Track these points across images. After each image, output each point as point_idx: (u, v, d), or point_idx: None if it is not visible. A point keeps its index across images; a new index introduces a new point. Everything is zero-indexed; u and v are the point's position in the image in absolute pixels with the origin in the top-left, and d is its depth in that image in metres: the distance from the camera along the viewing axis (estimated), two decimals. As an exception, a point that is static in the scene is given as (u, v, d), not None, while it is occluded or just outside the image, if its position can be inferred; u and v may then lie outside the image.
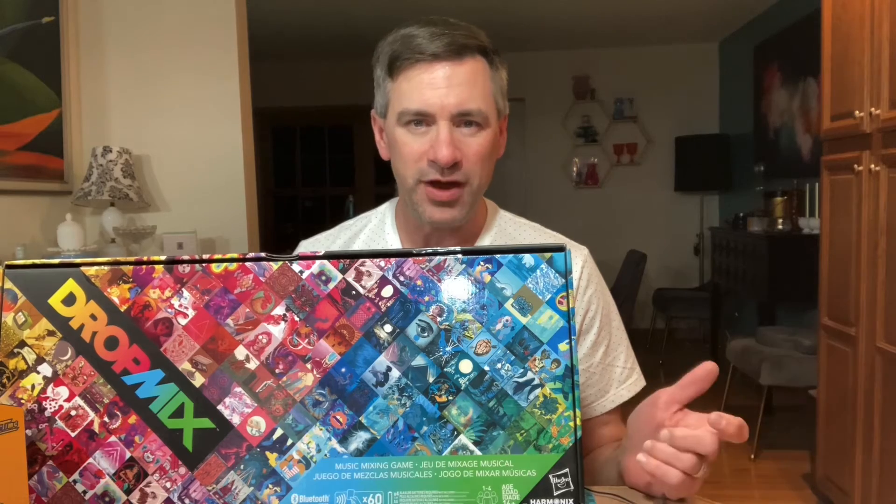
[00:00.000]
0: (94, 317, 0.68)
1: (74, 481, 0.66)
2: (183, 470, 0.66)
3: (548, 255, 0.68)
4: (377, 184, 6.73)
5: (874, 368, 2.30)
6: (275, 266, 0.69)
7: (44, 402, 0.67)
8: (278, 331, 0.68)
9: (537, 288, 0.68)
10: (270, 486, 0.66)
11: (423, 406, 0.66)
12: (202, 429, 0.66)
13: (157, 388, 0.67)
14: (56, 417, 0.67)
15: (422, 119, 0.94)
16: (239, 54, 2.98)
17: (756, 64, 4.97)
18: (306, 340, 0.67)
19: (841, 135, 2.51)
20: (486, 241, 1.06)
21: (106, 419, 0.67)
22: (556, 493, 0.65)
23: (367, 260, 0.69)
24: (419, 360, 0.67)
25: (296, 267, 0.69)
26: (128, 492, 0.66)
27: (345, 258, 0.69)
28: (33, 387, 0.68)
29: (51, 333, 0.68)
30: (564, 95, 5.97)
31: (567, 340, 0.67)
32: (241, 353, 0.67)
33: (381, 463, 0.65)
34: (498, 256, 0.68)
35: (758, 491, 2.99)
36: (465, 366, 0.67)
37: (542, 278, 0.68)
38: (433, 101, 0.92)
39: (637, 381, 1.06)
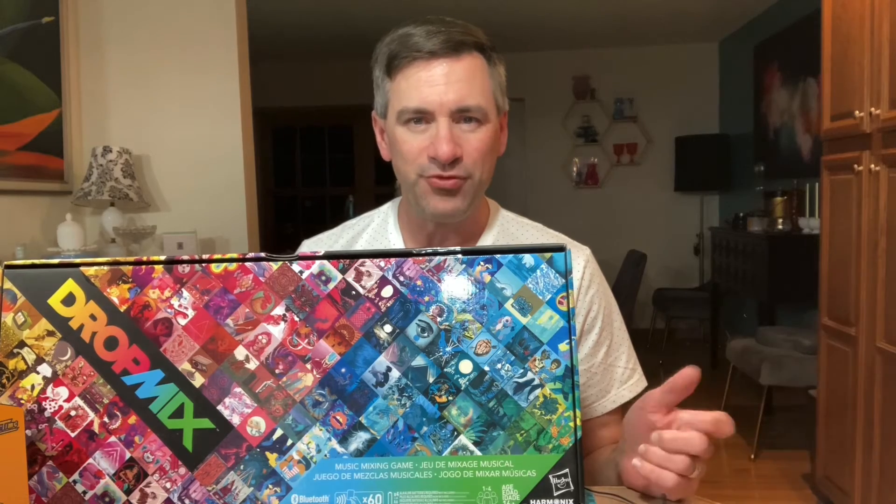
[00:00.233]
0: (93, 317, 0.68)
1: (74, 481, 0.66)
2: (183, 470, 0.66)
3: (548, 255, 0.68)
4: (377, 184, 6.73)
5: (874, 368, 2.30)
6: (275, 266, 0.69)
7: (43, 403, 0.67)
8: (278, 331, 0.68)
9: (537, 288, 0.68)
10: (270, 486, 0.65)
11: (423, 406, 0.66)
12: (202, 429, 0.66)
13: (156, 388, 0.67)
14: (56, 418, 0.67)
15: (421, 117, 0.94)
16: (239, 54, 2.98)
17: (756, 64, 4.97)
18: (306, 341, 0.67)
19: (841, 135, 2.50)
20: (488, 240, 1.06)
21: (106, 419, 0.67)
22: (556, 494, 0.65)
23: (366, 260, 0.69)
24: (419, 361, 0.67)
25: (295, 267, 0.69)
26: (128, 492, 0.66)
27: (344, 258, 0.69)
28: (33, 387, 0.68)
29: (50, 333, 0.68)
30: (564, 95, 5.97)
31: (567, 340, 0.67)
32: (240, 353, 0.67)
33: (381, 463, 0.65)
34: (498, 256, 0.68)
35: (758, 491, 3.00)
36: (465, 366, 0.67)
37: (543, 278, 0.68)
38: (432, 98, 0.92)
39: (639, 382, 1.06)
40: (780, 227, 4.00)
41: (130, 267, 0.69)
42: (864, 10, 2.30)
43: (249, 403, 0.67)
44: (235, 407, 0.67)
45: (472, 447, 0.65)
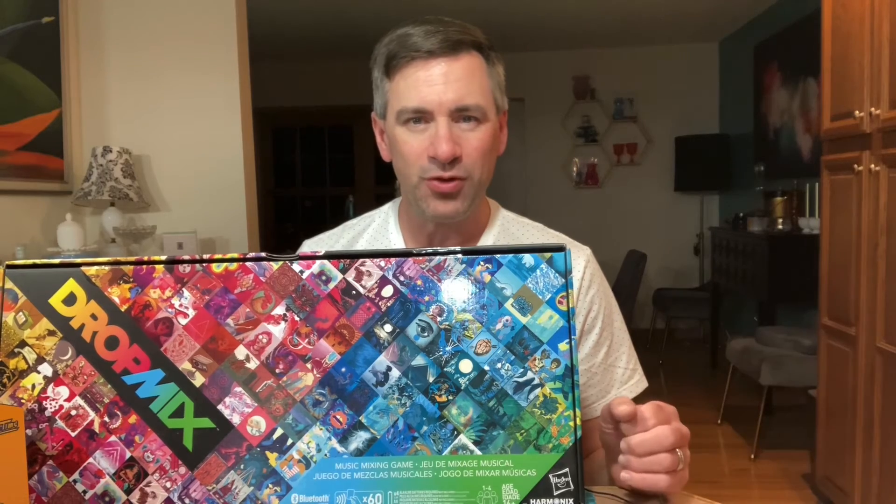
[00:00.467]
0: (94, 316, 0.68)
1: (74, 481, 0.66)
2: (183, 469, 0.66)
3: (548, 254, 0.68)
4: (377, 184, 6.74)
5: (874, 368, 2.30)
6: (275, 266, 0.69)
7: (44, 402, 0.67)
8: (278, 330, 0.68)
9: (537, 288, 0.68)
10: (270, 485, 0.66)
11: (423, 406, 0.66)
12: (202, 428, 0.66)
13: (157, 387, 0.67)
14: (56, 417, 0.67)
15: (420, 116, 0.94)
16: (239, 54, 2.98)
17: (756, 64, 4.97)
18: (306, 340, 0.67)
19: (841, 135, 2.51)
20: (488, 239, 1.06)
21: (106, 419, 0.67)
22: (556, 493, 0.65)
23: (367, 260, 0.69)
24: (419, 360, 0.67)
25: (296, 267, 0.69)
26: (128, 491, 0.66)
27: (345, 258, 0.69)
28: (34, 386, 0.68)
29: (51, 333, 0.68)
30: (564, 95, 5.97)
31: (567, 340, 0.67)
32: (241, 352, 0.67)
33: (381, 463, 0.65)
34: (498, 256, 0.69)
35: (757, 491, 3.00)
36: (465, 365, 0.67)
37: (542, 278, 0.68)
38: (431, 97, 0.92)
39: (639, 382, 1.06)
40: (780, 227, 4.00)
41: (131, 267, 0.69)
42: (864, 10, 2.30)
43: (250, 403, 0.67)
44: (236, 406, 0.67)
45: (472, 446, 0.66)
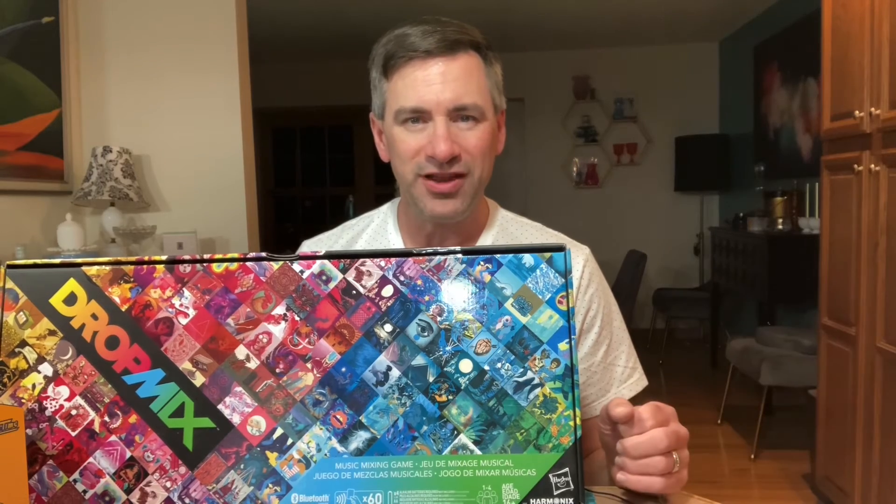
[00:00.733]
0: (95, 316, 0.68)
1: (74, 481, 0.66)
2: (183, 469, 0.66)
3: (547, 254, 0.68)
4: (377, 184, 6.74)
5: (874, 368, 2.30)
6: (275, 266, 0.69)
7: (44, 402, 0.67)
8: (279, 330, 0.68)
9: (537, 287, 0.68)
10: (270, 485, 0.66)
11: (423, 405, 0.66)
12: (202, 428, 0.66)
13: (157, 387, 0.67)
14: (56, 417, 0.67)
15: (418, 116, 0.94)
16: (239, 54, 2.98)
17: (756, 64, 4.97)
18: (307, 340, 0.68)
19: (841, 135, 2.51)
20: (487, 239, 1.06)
21: (106, 418, 0.67)
22: (556, 493, 0.65)
23: (367, 260, 0.69)
24: (419, 360, 0.67)
25: (296, 267, 0.69)
26: (128, 491, 0.66)
27: (345, 258, 0.69)
28: (34, 386, 0.68)
29: (52, 333, 0.68)
30: (564, 95, 5.97)
31: (567, 340, 0.67)
32: (241, 352, 0.68)
33: (381, 462, 0.65)
34: (498, 256, 0.69)
35: (757, 491, 3.00)
36: (465, 365, 0.67)
37: (542, 278, 0.68)
38: (428, 97, 0.92)
39: (639, 381, 1.06)
40: (780, 227, 4.01)
41: (132, 266, 0.69)
42: (864, 10, 2.30)
43: (250, 402, 0.67)
44: (236, 406, 0.67)
45: (472, 446, 0.66)
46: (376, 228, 1.10)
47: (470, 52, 0.95)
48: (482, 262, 0.68)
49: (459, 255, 0.69)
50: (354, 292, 0.68)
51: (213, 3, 2.96)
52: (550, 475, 0.65)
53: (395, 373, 0.67)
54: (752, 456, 3.30)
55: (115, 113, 2.98)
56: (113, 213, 2.81)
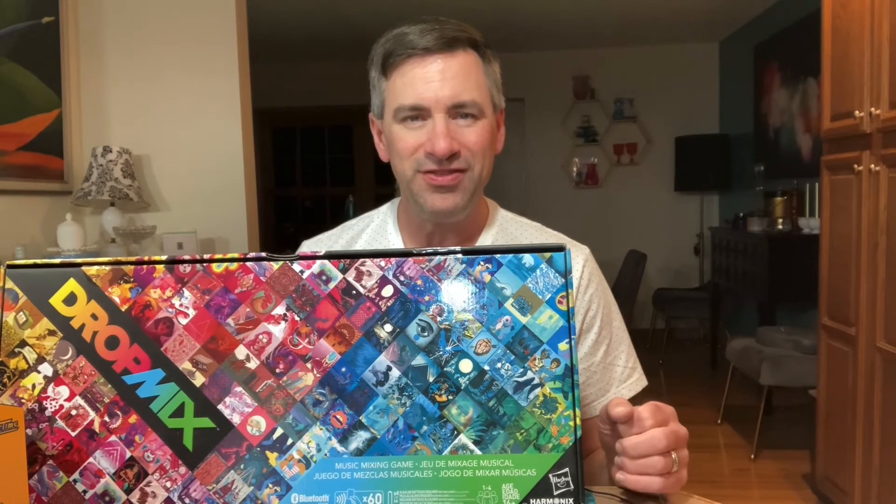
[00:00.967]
0: (94, 316, 0.68)
1: (74, 481, 0.66)
2: (183, 469, 0.66)
3: (547, 254, 0.68)
4: (377, 184, 6.74)
5: (874, 368, 2.30)
6: (275, 266, 0.69)
7: (44, 402, 0.67)
8: (279, 330, 0.68)
9: (537, 288, 0.68)
10: (270, 485, 0.66)
11: (423, 405, 0.66)
12: (202, 428, 0.66)
13: (157, 387, 0.67)
14: (56, 417, 0.67)
15: (417, 114, 0.94)
16: (239, 54, 2.98)
17: (756, 64, 4.97)
18: (306, 340, 0.67)
19: (841, 135, 2.51)
20: (487, 239, 1.06)
21: (106, 419, 0.67)
22: (556, 493, 0.65)
23: (367, 260, 0.69)
24: (419, 360, 0.67)
25: (296, 267, 0.69)
26: (128, 491, 0.66)
27: (345, 258, 0.69)
28: (34, 386, 0.68)
29: (52, 333, 0.68)
30: (564, 95, 5.97)
31: (567, 340, 0.67)
32: (241, 352, 0.68)
33: (381, 462, 0.65)
34: (498, 256, 0.69)
35: (758, 491, 3.00)
36: (465, 365, 0.67)
37: (542, 278, 0.68)
38: (427, 94, 0.93)
39: (638, 381, 1.06)
40: (780, 227, 4.00)
41: (132, 266, 0.69)
42: (864, 10, 2.30)
43: (250, 403, 0.67)
44: (236, 406, 0.67)
45: (472, 446, 0.66)
46: (376, 228, 1.10)
47: (468, 49, 0.95)
48: (482, 262, 0.68)
49: (459, 255, 0.69)
50: (354, 292, 0.68)
51: (213, 3, 2.96)
52: (550, 475, 0.65)
53: (395, 373, 0.67)
54: (752, 456, 3.30)
55: (114, 113, 2.98)
56: (113, 213, 2.81)
